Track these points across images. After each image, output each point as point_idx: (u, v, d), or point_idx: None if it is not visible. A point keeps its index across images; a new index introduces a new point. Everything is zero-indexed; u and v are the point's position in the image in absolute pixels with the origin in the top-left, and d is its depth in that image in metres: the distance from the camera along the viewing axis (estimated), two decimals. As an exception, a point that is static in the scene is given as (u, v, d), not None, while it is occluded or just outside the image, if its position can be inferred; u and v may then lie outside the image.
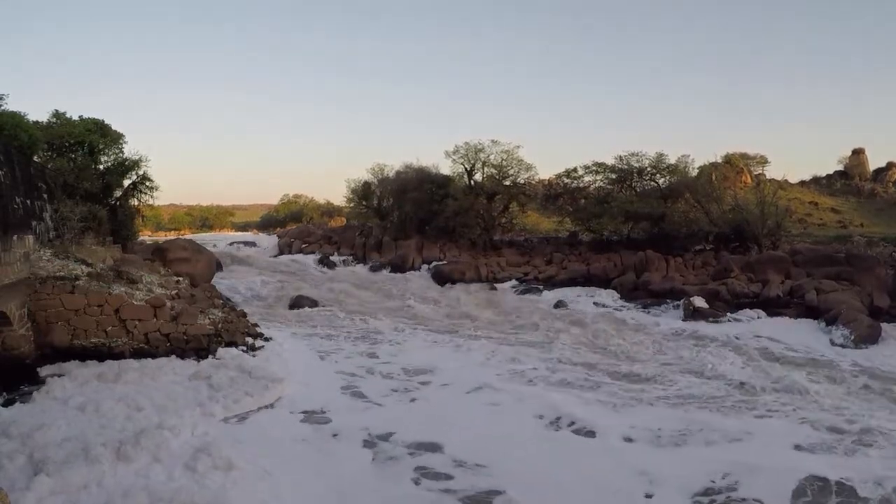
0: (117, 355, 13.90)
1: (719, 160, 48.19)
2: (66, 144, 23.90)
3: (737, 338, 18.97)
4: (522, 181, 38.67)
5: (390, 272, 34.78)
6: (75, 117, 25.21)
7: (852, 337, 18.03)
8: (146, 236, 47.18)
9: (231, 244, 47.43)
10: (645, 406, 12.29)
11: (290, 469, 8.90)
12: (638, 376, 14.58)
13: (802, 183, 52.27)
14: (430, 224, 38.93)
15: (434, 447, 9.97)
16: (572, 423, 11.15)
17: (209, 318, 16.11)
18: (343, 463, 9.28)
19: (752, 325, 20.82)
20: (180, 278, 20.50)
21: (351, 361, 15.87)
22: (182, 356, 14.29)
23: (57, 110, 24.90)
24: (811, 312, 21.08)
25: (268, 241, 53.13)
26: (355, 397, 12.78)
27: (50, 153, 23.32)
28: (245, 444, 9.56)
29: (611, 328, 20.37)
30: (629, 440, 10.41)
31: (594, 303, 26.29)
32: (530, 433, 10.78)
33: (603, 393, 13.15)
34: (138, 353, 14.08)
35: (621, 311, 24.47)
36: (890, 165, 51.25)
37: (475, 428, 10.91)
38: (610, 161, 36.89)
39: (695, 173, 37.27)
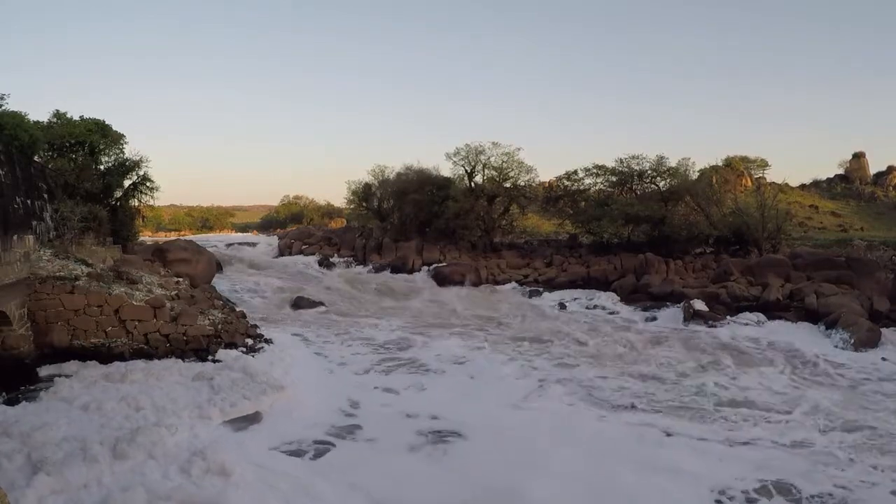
0: (117, 356, 13.88)
1: (720, 163, 48.43)
2: (67, 144, 23.93)
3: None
4: (523, 183, 38.65)
5: (391, 274, 34.78)
6: (76, 117, 25.27)
7: (852, 341, 18.05)
8: (146, 237, 47.10)
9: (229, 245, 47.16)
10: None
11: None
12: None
13: (803, 186, 52.33)
14: (431, 226, 38.94)
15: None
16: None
17: (209, 319, 16.09)
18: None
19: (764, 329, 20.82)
20: (180, 279, 20.49)
21: (352, 370, 15.35)
22: (182, 357, 14.27)
23: (58, 110, 24.97)
24: (811, 316, 21.09)
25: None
26: (356, 424, 11.31)
27: (51, 153, 23.34)
28: (241, 452, 9.34)
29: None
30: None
31: (595, 305, 26.34)
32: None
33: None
34: (138, 354, 14.05)
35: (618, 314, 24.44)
36: (890, 169, 51.28)
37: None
38: (610, 164, 37.01)
39: (695, 176, 37.28)
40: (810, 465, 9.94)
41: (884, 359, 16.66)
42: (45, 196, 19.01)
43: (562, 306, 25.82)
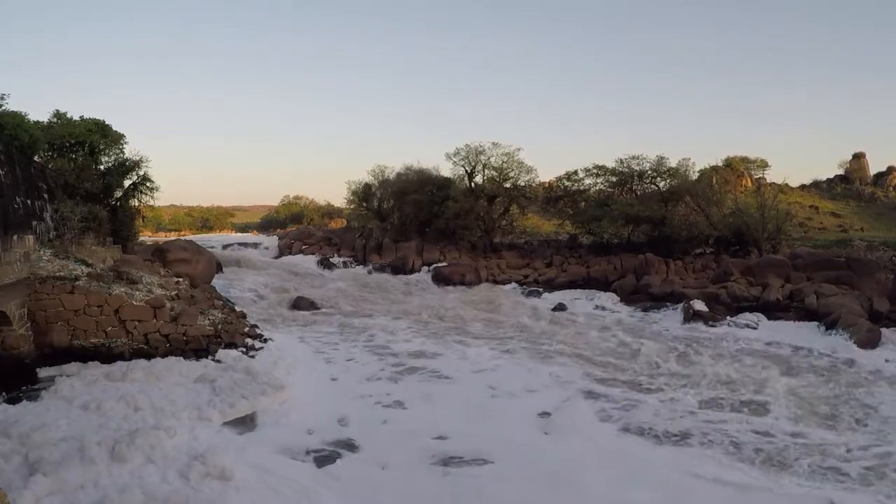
0: (117, 356, 13.88)
1: (720, 163, 48.41)
2: (67, 144, 23.93)
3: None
4: (523, 184, 38.64)
5: (391, 274, 34.77)
6: (76, 117, 25.27)
7: (852, 341, 18.04)
8: (146, 237, 47.09)
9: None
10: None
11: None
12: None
13: (803, 187, 52.28)
14: (431, 226, 38.95)
15: None
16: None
17: (209, 319, 16.09)
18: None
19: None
20: (180, 279, 20.49)
21: (355, 375, 15.13)
22: (182, 357, 14.24)
23: (58, 110, 24.99)
24: (811, 316, 21.09)
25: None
26: (358, 432, 10.92)
27: (51, 153, 23.34)
28: (242, 457, 9.24)
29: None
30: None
31: (595, 306, 26.34)
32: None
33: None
34: (138, 354, 14.05)
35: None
36: (890, 169, 51.23)
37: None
38: (610, 164, 37.00)
39: (695, 177, 37.25)
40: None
41: (887, 360, 16.64)
42: (45, 196, 19.00)
43: (562, 307, 25.81)
